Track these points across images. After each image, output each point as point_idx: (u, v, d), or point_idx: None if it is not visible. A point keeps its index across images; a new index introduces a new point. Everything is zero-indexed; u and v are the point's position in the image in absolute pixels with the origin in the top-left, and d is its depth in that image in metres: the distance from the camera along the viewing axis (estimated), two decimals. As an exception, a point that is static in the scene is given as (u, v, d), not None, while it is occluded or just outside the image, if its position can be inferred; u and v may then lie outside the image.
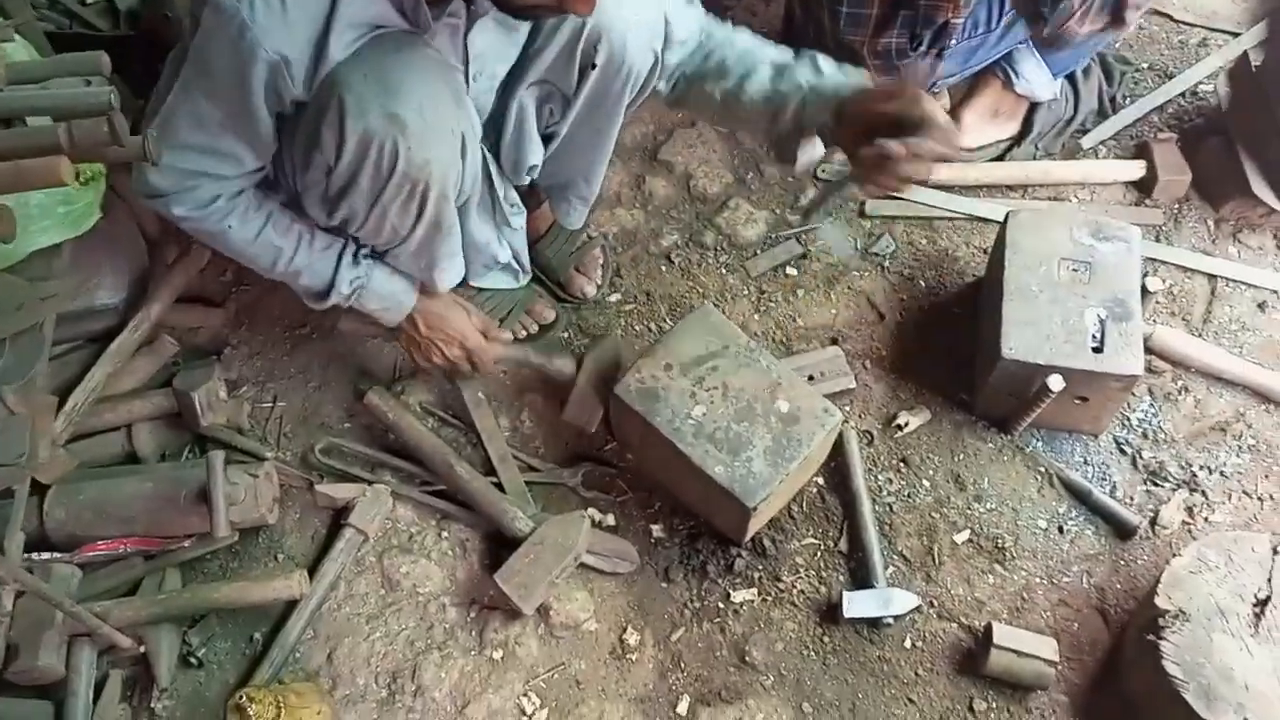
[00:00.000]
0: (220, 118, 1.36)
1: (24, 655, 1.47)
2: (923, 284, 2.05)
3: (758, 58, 1.55)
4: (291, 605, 1.65)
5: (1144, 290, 1.79)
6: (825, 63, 1.51)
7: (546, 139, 1.67)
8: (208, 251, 1.86)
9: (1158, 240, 2.09)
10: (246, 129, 1.37)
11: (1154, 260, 2.04)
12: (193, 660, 1.63)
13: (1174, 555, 1.64)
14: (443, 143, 1.41)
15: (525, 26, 1.49)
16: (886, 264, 2.07)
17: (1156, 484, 1.81)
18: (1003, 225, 1.86)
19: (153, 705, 1.59)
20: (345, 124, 1.32)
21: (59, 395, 1.72)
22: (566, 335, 1.98)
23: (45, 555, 1.62)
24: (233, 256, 1.56)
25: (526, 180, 1.72)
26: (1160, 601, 1.53)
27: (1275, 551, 1.56)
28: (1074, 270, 1.78)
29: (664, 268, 2.07)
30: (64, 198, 1.51)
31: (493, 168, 1.65)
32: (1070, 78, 2.16)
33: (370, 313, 1.66)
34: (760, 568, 1.74)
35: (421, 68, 1.36)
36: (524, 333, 1.94)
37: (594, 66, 1.53)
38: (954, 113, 2.14)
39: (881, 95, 1.40)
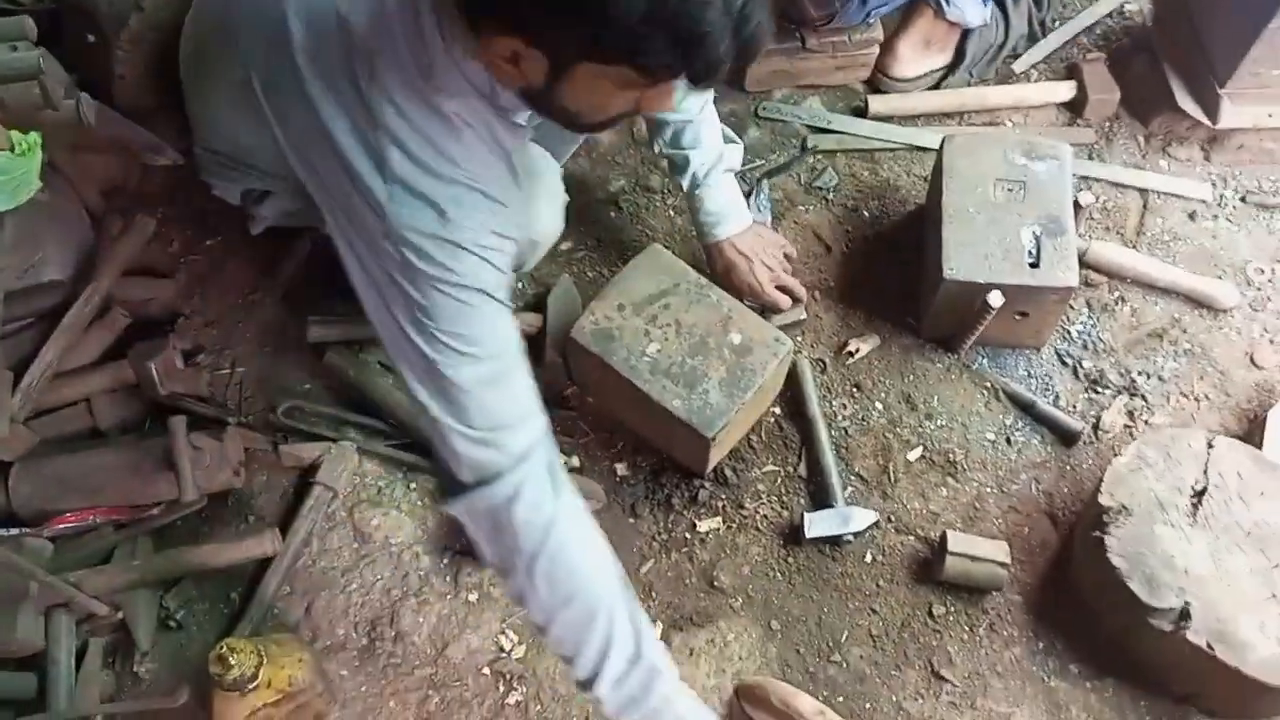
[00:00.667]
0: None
1: (1, 629, 1.48)
2: (866, 215, 2.09)
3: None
4: (266, 564, 1.67)
5: (1077, 206, 1.84)
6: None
7: None
8: (153, 222, 1.85)
9: (1090, 158, 2.14)
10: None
11: (1088, 178, 2.10)
12: (172, 623, 1.65)
13: (1116, 456, 1.72)
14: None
15: None
16: (830, 197, 2.11)
17: (1098, 392, 1.88)
18: (939, 151, 1.90)
19: (135, 669, 1.62)
20: None
21: (14, 373, 1.71)
22: (520, 286, 2.00)
23: (14, 530, 1.62)
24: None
25: None
26: (1104, 499, 1.60)
27: (1210, 446, 1.64)
28: (1009, 190, 1.83)
29: (612, 213, 2.10)
30: (-1, 168, 1.50)
31: None
32: (1000, 3, 2.19)
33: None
34: (723, 497, 1.79)
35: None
36: None
37: None
38: (888, 43, 2.17)
39: (745, 291, 1.86)
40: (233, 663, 1.32)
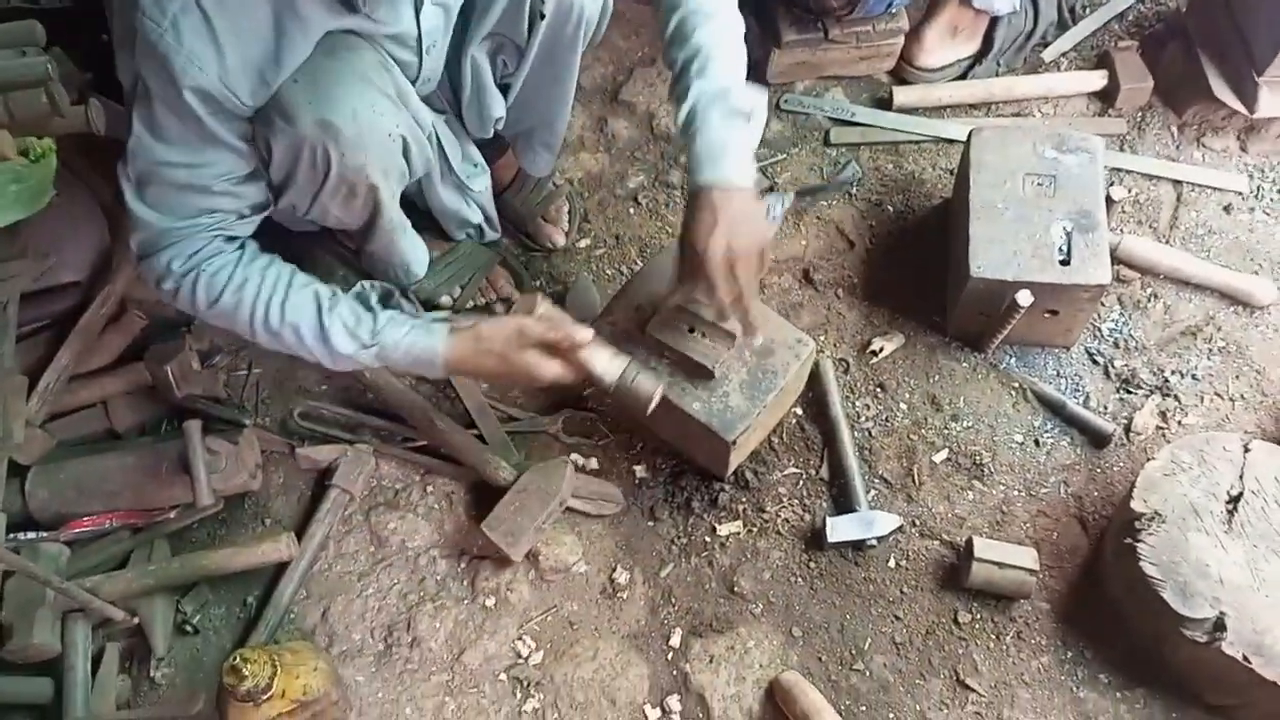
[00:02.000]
0: (187, 136, 1.30)
1: (18, 634, 1.48)
2: (891, 209, 2.04)
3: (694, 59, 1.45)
4: (282, 568, 1.66)
5: (1109, 200, 1.79)
6: (715, 113, 1.42)
7: (504, 89, 1.66)
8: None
9: (1122, 149, 2.09)
10: (217, 144, 1.32)
11: (1119, 170, 2.04)
12: (188, 628, 1.65)
13: (1149, 459, 1.67)
14: (379, 146, 1.41)
15: None
16: (854, 191, 2.07)
17: (1129, 391, 1.83)
18: (966, 144, 1.85)
19: (152, 674, 1.61)
20: (275, 128, 1.32)
21: (30, 376, 1.71)
22: (539, 284, 1.97)
23: (31, 535, 1.62)
24: (226, 323, 1.44)
25: (492, 133, 1.70)
26: (1136, 505, 1.56)
27: (1246, 449, 1.59)
28: (1038, 184, 1.78)
29: (631, 210, 2.06)
30: (14, 176, 1.50)
31: (444, 138, 1.63)
32: (1029, -10, 2.14)
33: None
34: (744, 500, 1.76)
35: (359, 72, 1.35)
36: (482, 300, 1.93)
37: (543, 16, 1.51)
38: (914, 32, 2.12)
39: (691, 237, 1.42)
40: (246, 673, 1.31)
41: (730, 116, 1.43)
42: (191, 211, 1.36)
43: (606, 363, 1.47)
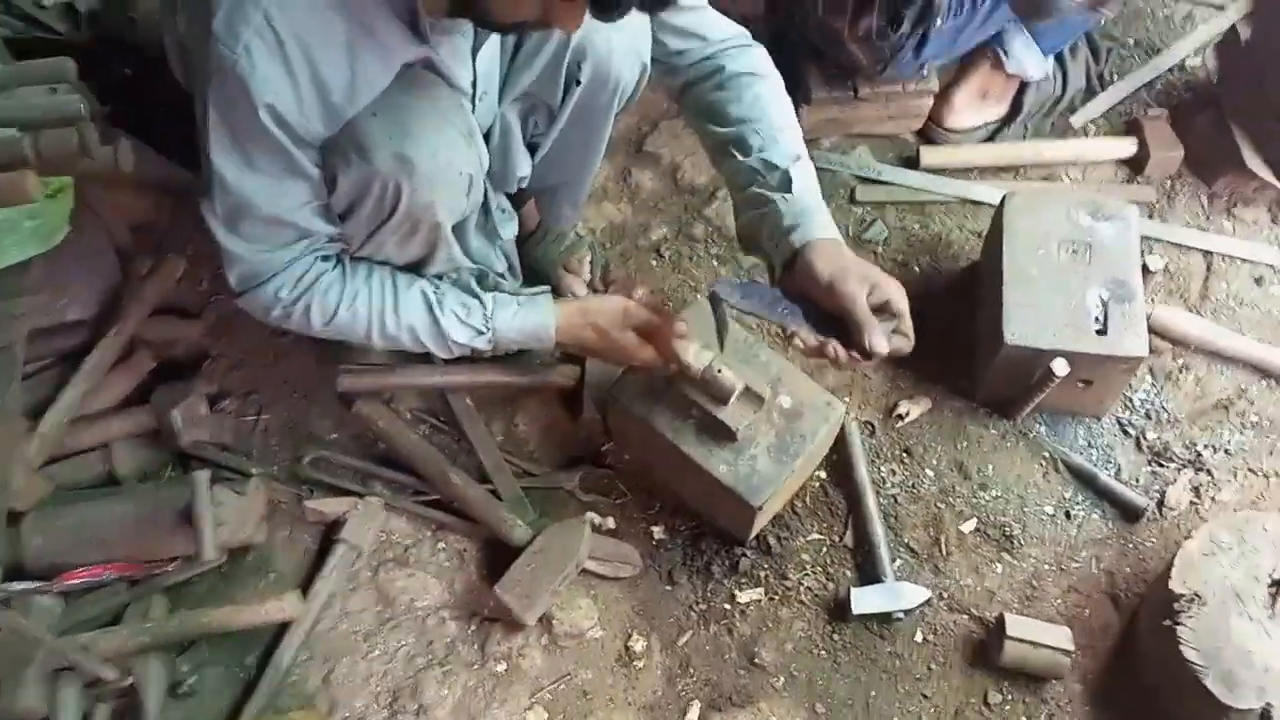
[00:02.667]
0: (268, 165, 1.28)
1: (4, 695, 1.39)
2: (917, 269, 2.01)
3: (754, 122, 1.47)
4: (285, 626, 1.59)
5: (1145, 269, 1.76)
6: (800, 174, 1.44)
7: (532, 148, 1.63)
8: (183, 262, 1.79)
9: (1151, 218, 2.06)
10: (297, 172, 1.30)
11: (1149, 238, 2.01)
12: (184, 688, 1.57)
13: (1184, 537, 1.62)
14: (450, 185, 1.38)
15: (509, 42, 1.44)
16: (879, 250, 2.03)
17: (1161, 465, 1.79)
18: (999, 208, 1.82)
19: (144, 738, 1.53)
20: (348, 160, 1.29)
21: (32, 416, 1.65)
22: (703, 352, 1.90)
23: (24, 585, 1.55)
24: (342, 336, 1.49)
25: (515, 189, 1.67)
26: (1175, 586, 1.51)
27: (1287, 530, 1.54)
28: (1073, 252, 1.75)
29: (654, 262, 2.02)
30: (31, 212, 1.44)
31: (486, 183, 1.60)
32: (1058, 56, 2.13)
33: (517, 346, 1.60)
34: (766, 566, 1.70)
35: (440, 110, 1.34)
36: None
37: (579, 82, 1.49)
38: (943, 93, 2.11)
39: (826, 290, 1.37)
40: (250, 745, 1.23)
41: (811, 176, 1.48)
42: (288, 239, 1.37)
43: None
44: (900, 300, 1.40)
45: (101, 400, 1.73)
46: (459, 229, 1.56)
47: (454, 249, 1.51)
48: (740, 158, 1.47)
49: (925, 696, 1.59)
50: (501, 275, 1.79)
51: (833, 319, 1.39)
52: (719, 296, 1.44)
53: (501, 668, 1.61)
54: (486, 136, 1.53)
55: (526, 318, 1.53)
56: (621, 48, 1.47)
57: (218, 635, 1.58)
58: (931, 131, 2.16)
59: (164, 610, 1.60)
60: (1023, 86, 2.12)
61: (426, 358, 1.64)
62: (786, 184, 1.43)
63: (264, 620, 1.56)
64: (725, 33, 1.52)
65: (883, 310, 1.39)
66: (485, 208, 1.63)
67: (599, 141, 1.66)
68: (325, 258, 1.42)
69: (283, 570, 1.68)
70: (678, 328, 1.51)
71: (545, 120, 1.56)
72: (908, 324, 1.41)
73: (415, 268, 1.51)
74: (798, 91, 2.10)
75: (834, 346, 1.37)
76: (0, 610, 1.32)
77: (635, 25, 1.46)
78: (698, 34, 1.50)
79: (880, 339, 1.35)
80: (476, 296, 1.51)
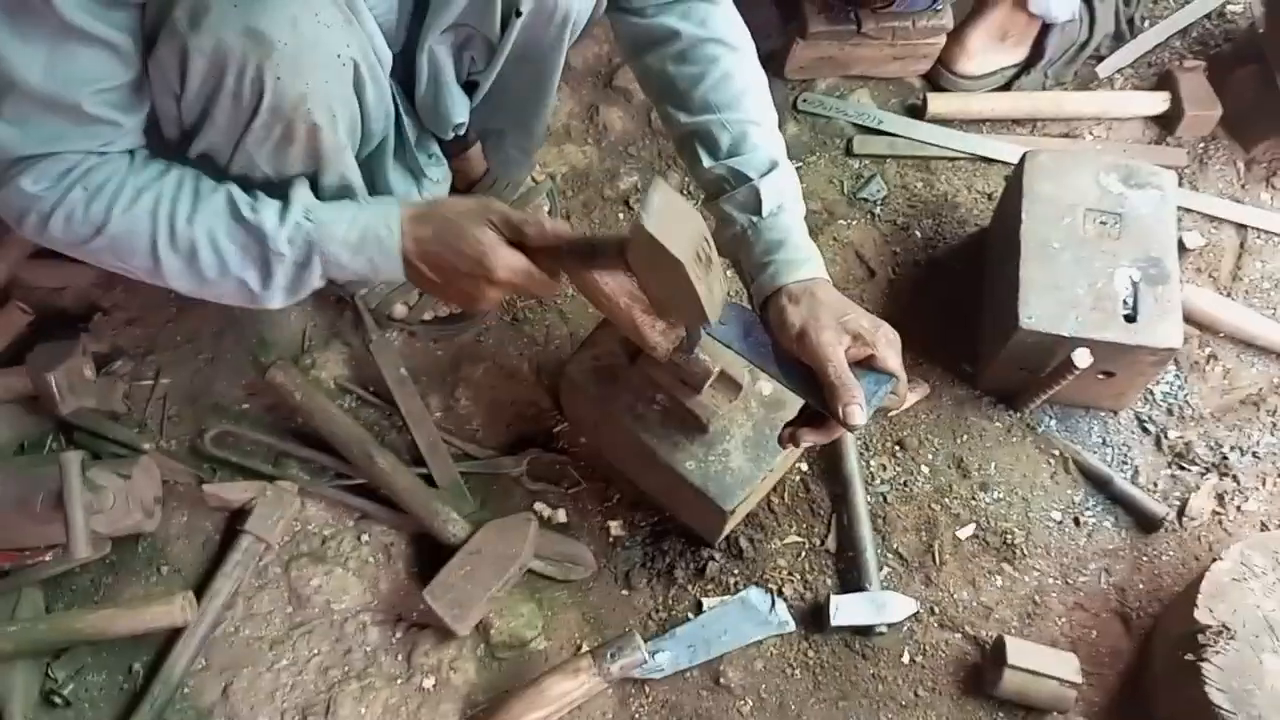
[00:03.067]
0: (45, 51, 0.99)
1: None
2: (918, 235, 1.78)
3: (723, 111, 1.23)
4: (177, 631, 1.37)
5: (1181, 246, 1.54)
6: (773, 191, 1.20)
7: (470, 88, 1.36)
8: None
9: (1180, 184, 1.83)
10: (85, 38, 1.00)
11: (1178, 209, 1.79)
12: (57, 699, 1.35)
13: (1205, 551, 1.46)
14: (325, 71, 1.07)
15: None
16: (877, 211, 1.80)
17: (1183, 467, 1.59)
18: (1018, 169, 1.59)
19: (7, 756, 1.32)
20: (188, 39, 1.00)
21: (-120, 376, 1.41)
22: (508, 297, 1.68)
23: None
24: (116, 255, 1.14)
25: (451, 135, 1.40)
26: (1200, 615, 1.32)
27: (1328, 552, 1.36)
28: (1102, 223, 1.53)
29: (621, 215, 1.78)
30: None
31: (401, 109, 1.33)
32: (1087, -3, 1.88)
33: (350, 278, 1.20)
34: (736, 572, 1.50)
35: None
36: (444, 311, 1.61)
37: (518, 13, 1.21)
38: (957, 33, 1.86)
39: (798, 342, 1.13)
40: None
41: (787, 187, 1.24)
42: (53, 138, 1.05)
43: (663, 330, 1.21)
44: (888, 355, 1.15)
45: (-32, 358, 1.49)
46: (373, 160, 1.30)
47: (348, 169, 1.19)
48: (706, 162, 1.24)
49: (910, 727, 1.41)
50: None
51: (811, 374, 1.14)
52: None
53: (430, 682, 1.40)
54: (411, 73, 1.26)
55: (360, 210, 1.16)
56: None
57: (96, 640, 1.36)
58: (940, 76, 1.91)
59: (37, 607, 1.39)
60: (1045, 29, 1.87)
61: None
62: (756, 204, 1.20)
63: (149, 626, 1.34)
64: None
65: (868, 363, 1.15)
66: (401, 137, 1.36)
67: (549, 80, 1.39)
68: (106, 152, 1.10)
69: (178, 563, 1.45)
70: (549, 226, 1.14)
71: (484, 56, 1.28)
72: (901, 384, 1.17)
73: None
74: (793, 22, 1.84)
75: (800, 434, 1.17)
76: None
77: None
78: None
79: (854, 408, 1.09)
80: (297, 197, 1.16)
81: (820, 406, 1.13)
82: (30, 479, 1.37)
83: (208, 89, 1.05)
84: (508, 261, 1.13)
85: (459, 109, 1.33)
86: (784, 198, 1.21)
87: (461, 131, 1.40)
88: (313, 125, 1.10)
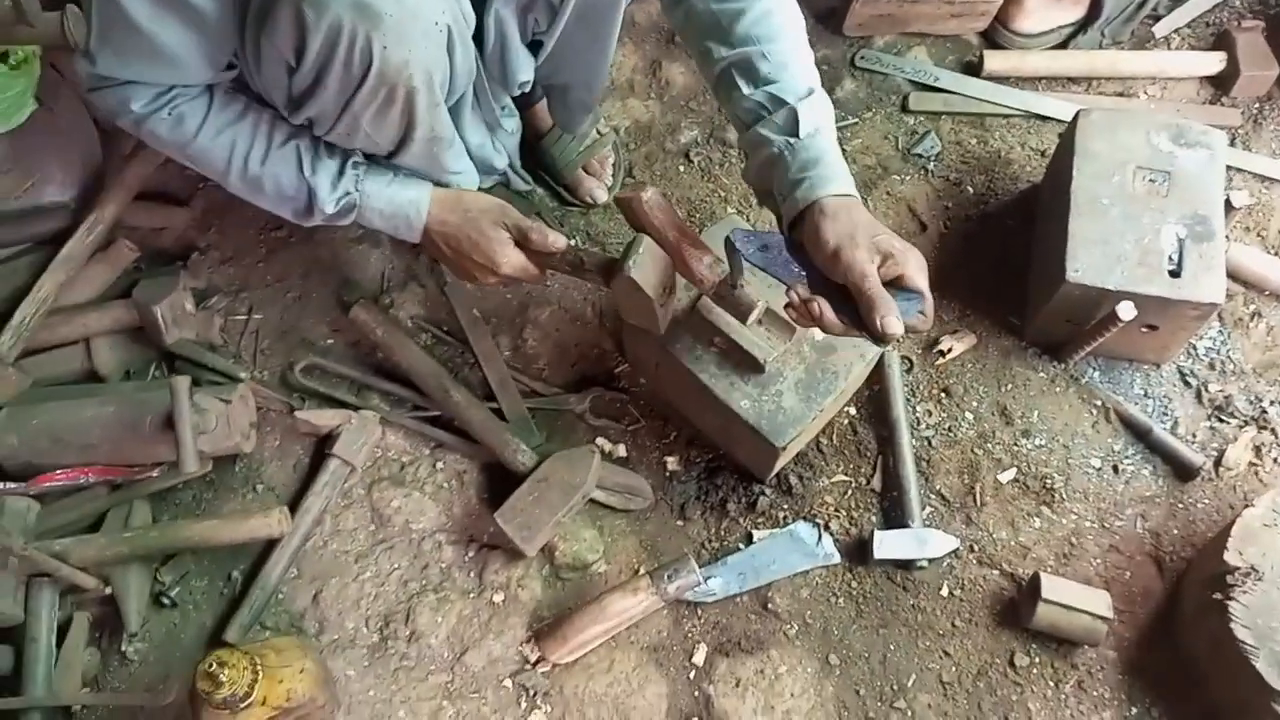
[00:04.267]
0: (149, 11, 1.11)
1: (-25, 600, 1.33)
2: (970, 190, 1.84)
3: (764, 43, 1.27)
4: (273, 542, 1.50)
5: (1228, 205, 1.58)
6: (810, 113, 1.24)
7: (535, 45, 1.44)
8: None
9: (1234, 144, 1.87)
10: (184, 20, 1.13)
11: (1229, 168, 1.82)
12: (165, 600, 1.50)
13: (1240, 500, 1.51)
14: (425, 38, 1.17)
15: None
16: (930, 166, 1.85)
17: (1222, 420, 1.65)
18: (1070, 126, 1.64)
19: (123, 649, 1.47)
20: (305, 14, 1.09)
21: (5, 306, 1.54)
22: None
23: (-3, 485, 1.46)
24: (194, 165, 1.35)
25: (518, 93, 1.49)
26: (1230, 557, 1.39)
27: (1358, 502, 1.41)
28: (1151, 181, 1.57)
29: (682, 167, 1.85)
30: (-12, 85, 1.30)
31: (480, 69, 1.41)
32: (1147, -47, 1.90)
33: (376, 229, 1.42)
34: (785, 506, 1.59)
35: None
36: None
37: None
38: (1015, -9, 1.89)
39: (832, 259, 1.17)
40: (224, 679, 1.15)
41: (824, 114, 1.27)
42: (160, 75, 1.23)
43: (710, 264, 1.31)
44: (918, 276, 1.18)
45: (81, 292, 1.62)
46: (453, 113, 1.39)
47: (438, 124, 1.31)
48: (745, 89, 1.27)
49: (947, 654, 1.50)
50: (502, 173, 1.63)
51: (845, 292, 1.18)
52: (734, 245, 1.27)
53: (499, 598, 1.52)
54: (480, 34, 1.34)
55: (400, 190, 1.37)
56: None
57: (201, 547, 1.49)
58: (997, 34, 1.95)
59: (146, 518, 1.52)
60: (1105, -13, 1.89)
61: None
62: (794, 126, 1.24)
63: (249, 536, 1.47)
64: None
65: (898, 283, 1.19)
66: (479, 92, 1.45)
67: (609, 37, 1.46)
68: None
69: (272, 482, 1.58)
70: (552, 239, 1.36)
71: (547, 17, 1.36)
72: (928, 303, 1.19)
73: (391, 158, 1.35)
74: (852, -19, 1.89)
75: (820, 304, 1.16)
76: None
77: None
78: None
79: (892, 319, 1.12)
80: (352, 162, 1.36)
81: (853, 323, 1.17)
82: (139, 402, 1.50)
83: (321, 60, 1.14)
84: (512, 259, 1.37)
85: (524, 68, 1.42)
86: (820, 122, 1.25)
87: (527, 89, 1.48)
88: (411, 89, 1.20)
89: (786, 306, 1.21)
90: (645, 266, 1.30)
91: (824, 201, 1.19)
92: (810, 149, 1.23)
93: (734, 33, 1.29)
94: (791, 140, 1.24)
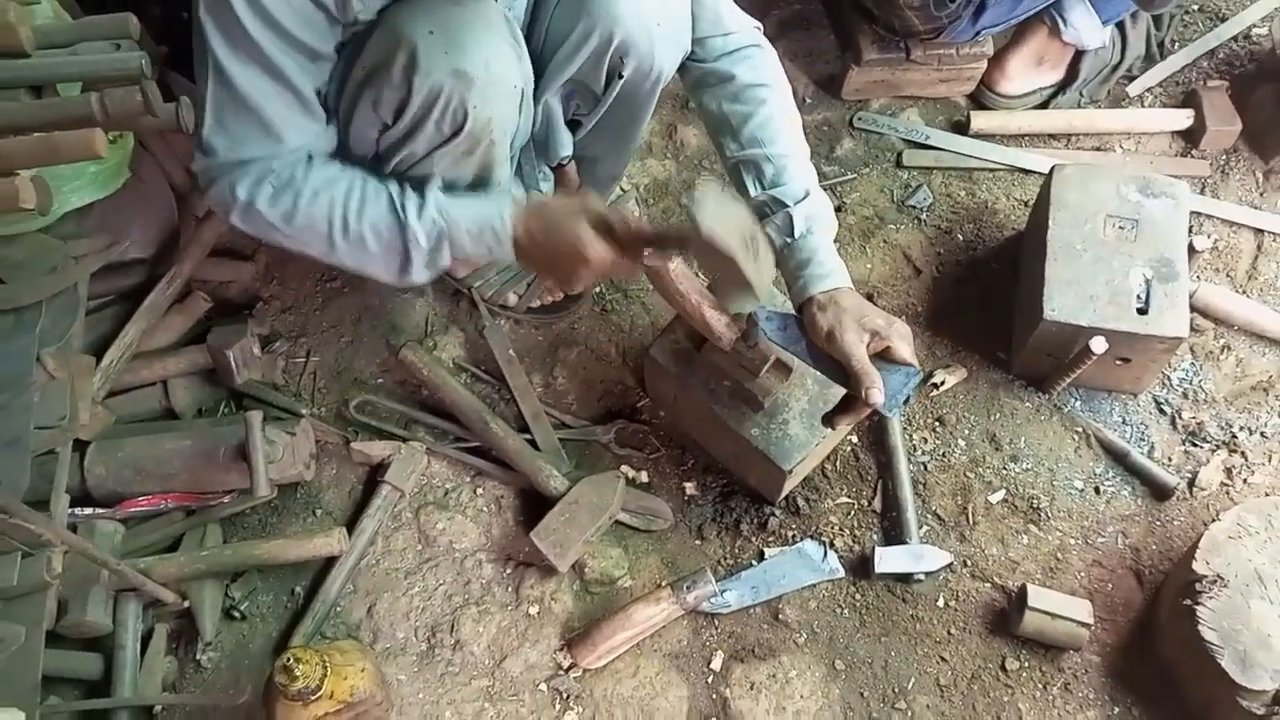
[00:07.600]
0: (255, 74, 1.25)
1: (73, 610, 1.49)
2: (960, 238, 2.01)
3: (767, 146, 1.46)
4: (331, 560, 1.67)
5: (1191, 249, 1.74)
6: (803, 216, 1.44)
7: (574, 124, 1.64)
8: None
9: (1203, 192, 2.03)
10: (280, 76, 1.26)
11: (1199, 214, 1.99)
12: (236, 613, 1.66)
13: (1212, 518, 1.63)
14: (506, 99, 1.36)
15: None
16: (923, 216, 2.03)
17: (1195, 444, 1.79)
18: (1047, 179, 1.81)
19: (198, 657, 1.63)
20: (412, 80, 1.27)
21: (94, 352, 1.72)
22: (599, 291, 1.96)
23: (88, 511, 1.64)
24: (300, 239, 1.37)
25: (555, 165, 1.69)
26: (1198, 566, 1.53)
27: (1316, 516, 1.55)
28: (1120, 228, 1.74)
29: (697, 220, 2.04)
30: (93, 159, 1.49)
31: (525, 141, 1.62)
32: (1119, 22, 2.08)
33: (471, 259, 1.47)
34: (794, 526, 1.74)
35: (487, 19, 1.31)
36: (548, 299, 1.90)
37: (621, 76, 1.49)
38: (998, 58, 2.08)
39: (827, 342, 1.39)
40: (298, 673, 1.31)
41: (818, 212, 1.46)
42: (248, 143, 1.30)
43: (727, 323, 1.49)
44: (902, 347, 1.38)
45: (159, 339, 1.81)
46: None
47: (502, 171, 1.46)
48: (753, 190, 1.47)
49: (943, 659, 1.64)
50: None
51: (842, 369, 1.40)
52: (757, 323, 1.47)
53: (534, 610, 1.67)
54: (530, 123, 1.54)
55: (481, 206, 1.38)
56: (664, 41, 1.46)
57: (268, 565, 1.66)
58: (983, 96, 2.13)
59: (218, 539, 1.69)
60: (1079, 54, 2.08)
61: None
62: (790, 228, 1.44)
63: (312, 554, 1.64)
64: (740, 25, 1.52)
65: (886, 355, 1.39)
66: (522, 158, 1.64)
67: (640, 121, 1.67)
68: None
69: (329, 508, 1.75)
70: (640, 227, 1.36)
71: (588, 102, 1.57)
72: (916, 376, 1.41)
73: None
74: (848, 51, 2.09)
75: (829, 417, 1.46)
76: (69, 536, 1.40)
77: (677, 14, 1.46)
78: (719, 24, 1.51)
79: (875, 392, 1.34)
80: (434, 190, 1.39)
81: (850, 390, 1.40)
82: (214, 436, 1.68)
83: (416, 118, 1.32)
84: (598, 250, 1.35)
85: (565, 144, 1.63)
86: (812, 221, 1.45)
87: (565, 162, 1.68)
88: (491, 142, 1.39)
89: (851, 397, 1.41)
90: (715, 216, 1.26)
91: (816, 297, 1.41)
92: (804, 249, 1.43)
93: (743, 133, 1.48)
94: (789, 240, 1.44)
